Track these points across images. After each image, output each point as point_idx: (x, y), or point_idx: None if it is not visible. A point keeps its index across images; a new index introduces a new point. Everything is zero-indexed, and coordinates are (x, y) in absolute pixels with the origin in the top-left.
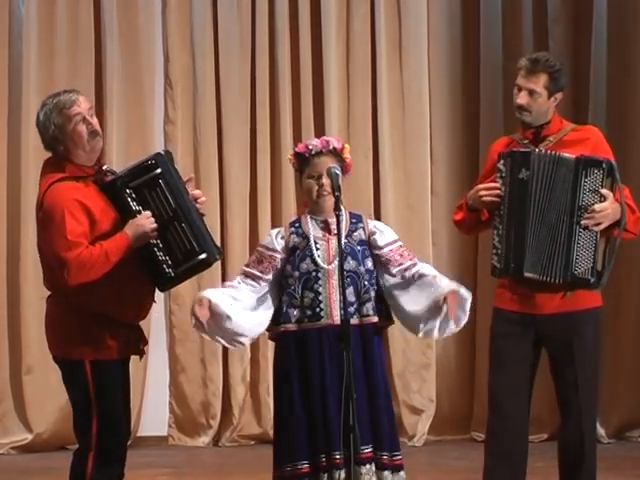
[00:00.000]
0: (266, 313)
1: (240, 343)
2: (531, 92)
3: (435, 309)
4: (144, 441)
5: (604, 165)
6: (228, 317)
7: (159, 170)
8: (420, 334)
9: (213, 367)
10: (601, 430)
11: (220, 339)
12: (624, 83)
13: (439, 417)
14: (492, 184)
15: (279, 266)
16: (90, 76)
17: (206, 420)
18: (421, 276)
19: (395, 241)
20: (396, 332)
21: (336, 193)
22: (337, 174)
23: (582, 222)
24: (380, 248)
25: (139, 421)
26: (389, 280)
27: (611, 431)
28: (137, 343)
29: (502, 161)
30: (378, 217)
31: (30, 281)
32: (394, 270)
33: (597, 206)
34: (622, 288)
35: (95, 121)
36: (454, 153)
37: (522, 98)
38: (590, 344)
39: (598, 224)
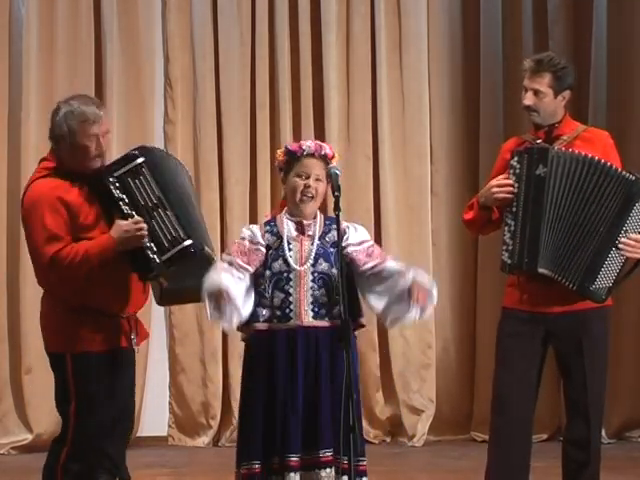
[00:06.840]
0: (250, 302)
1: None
2: (536, 92)
3: (399, 298)
4: (144, 441)
5: None
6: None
7: (142, 159)
8: (387, 324)
9: (213, 367)
10: None
11: (226, 320)
12: (624, 83)
13: (439, 417)
14: (505, 181)
15: (263, 259)
16: (90, 76)
17: (206, 420)
18: (384, 271)
19: (363, 242)
20: (396, 332)
21: (336, 193)
22: (337, 174)
23: (619, 245)
24: (344, 248)
25: (139, 421)
26: (359, 278)
27: (611, 431)
28: (129, 334)
29: (516, 158)
30: (378, 217)
31: (30, 281)
32: (360, 269)
33: (637, 237)
34: (622, 288)
35: (105, 142)
36: (454, 153)
37: (528, 99)
38: (599, 343)
39: (632, 252)
